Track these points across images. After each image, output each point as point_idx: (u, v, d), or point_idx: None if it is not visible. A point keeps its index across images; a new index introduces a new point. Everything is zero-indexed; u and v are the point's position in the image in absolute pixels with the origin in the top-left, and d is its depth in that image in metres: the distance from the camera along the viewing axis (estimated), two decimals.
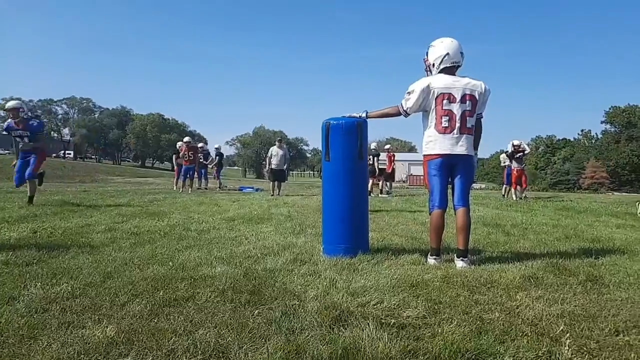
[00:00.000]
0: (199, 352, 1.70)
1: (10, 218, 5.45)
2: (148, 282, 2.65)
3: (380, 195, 13.26)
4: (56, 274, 2.82)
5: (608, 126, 69.61)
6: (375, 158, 13.28)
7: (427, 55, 3.49)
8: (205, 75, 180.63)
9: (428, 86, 3.34)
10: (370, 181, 13.63)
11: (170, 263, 3.19)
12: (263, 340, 1.83)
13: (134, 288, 2.53)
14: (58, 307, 2.18)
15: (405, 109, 3.45)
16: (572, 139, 75.51)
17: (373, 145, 13.98)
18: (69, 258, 3.29)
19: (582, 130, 76.83)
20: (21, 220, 5.33)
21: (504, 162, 13.71)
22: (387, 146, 15.82)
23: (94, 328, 1.92)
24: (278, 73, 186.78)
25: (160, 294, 2.43)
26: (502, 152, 14.47)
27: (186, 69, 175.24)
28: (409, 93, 3.43)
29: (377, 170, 13.45)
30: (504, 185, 13.94)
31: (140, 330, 1.90)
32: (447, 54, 3.37)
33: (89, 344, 1.75)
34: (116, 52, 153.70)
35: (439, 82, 3.35)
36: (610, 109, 68.35)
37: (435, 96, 3.34)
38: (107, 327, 1.93)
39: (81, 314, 2.11)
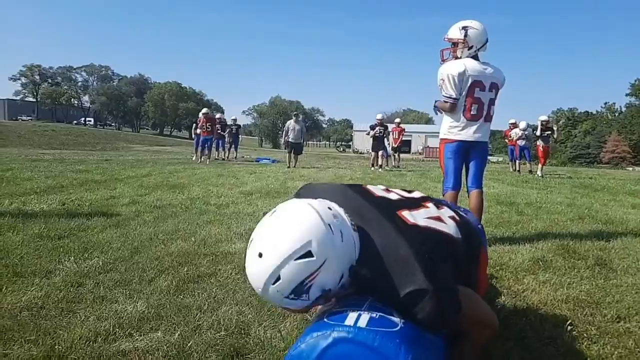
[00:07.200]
0: (223, 328, 1.85)
1: (39, 189, 5.69)
2: (173, 258, 2.81)
3: (379, 170, 12.62)
4: (87, 248, 3.00)
5: (633, 99, 67.17)
6: (380, 130, 13.05)
7: (465, 36, 3.28)
8: (222, 44, 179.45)
9: (464, 71, 3.26)
10: (373, 154, 13.54)
11: (193, 239, 3.35)
12: (281, 318, 1.97)
13: (159, 264, 2.69)
14: (92, 282, 2.35)
15: (447, 96, 3.34)
16: (594, 112, 73.32)
17: (379, 116, 13.31)
18: (97, 232, 3.48)
19: (605, 103, 74.48)
20: (49, 191, 5.57)
21: (516, 137, 13.44)
22: (397, 120, 15.69)
23: (126, 303, 2.08)
24: (294, 42, 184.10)
25: (185, 270, 2.59)
26: (512, 126, 14.03)
27: (204, 37, 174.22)
28: (442, 80, 3.34)
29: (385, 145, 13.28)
30: (517, 161, 13.82)
31: (168, 305, 2.06)
32: (487, 39, 3.34)
33: (122, 318, 1.91)
34: (134, 19, 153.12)
35: (473, 68, 3.27)
36: (635, 81, 65.79)
37: (468, 83, 3.28)
38: (137, 302, 2.09)
39: (113, 288, 2.28)
